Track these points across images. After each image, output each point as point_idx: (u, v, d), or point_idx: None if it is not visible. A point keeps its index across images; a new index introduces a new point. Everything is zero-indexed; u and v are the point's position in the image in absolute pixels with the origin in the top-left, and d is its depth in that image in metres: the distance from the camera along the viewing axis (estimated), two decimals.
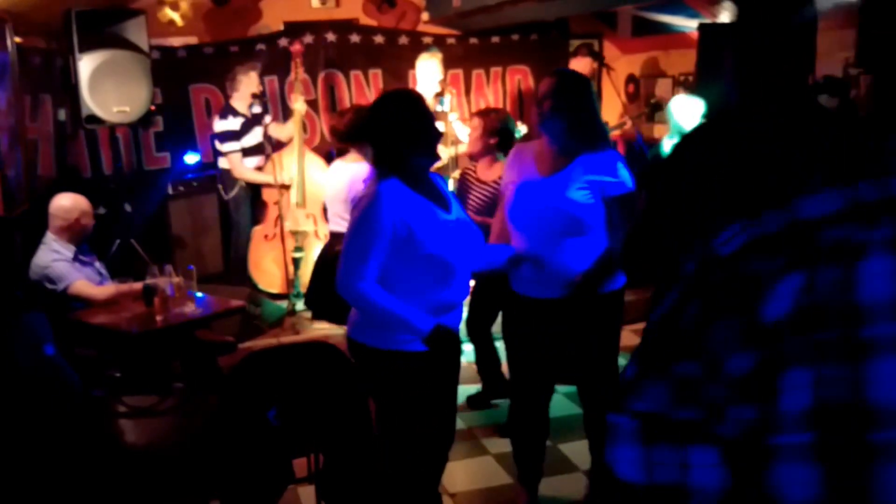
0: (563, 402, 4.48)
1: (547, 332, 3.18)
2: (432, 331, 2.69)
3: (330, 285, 4.14)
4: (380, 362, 2.81)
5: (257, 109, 6.36)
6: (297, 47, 6.26)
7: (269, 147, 6.18)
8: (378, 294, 2.67)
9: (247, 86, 6.23)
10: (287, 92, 6.76)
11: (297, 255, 6.07)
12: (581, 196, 3.02)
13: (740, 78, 2.01)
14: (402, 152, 2.71)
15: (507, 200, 3.18)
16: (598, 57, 7.11)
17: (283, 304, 6.08)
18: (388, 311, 2.68)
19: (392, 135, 2.71)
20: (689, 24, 6.44)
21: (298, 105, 6.15)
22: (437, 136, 2.84)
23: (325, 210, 6.23)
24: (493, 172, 4.12)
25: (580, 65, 6.85)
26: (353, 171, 4.16)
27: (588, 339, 3.17)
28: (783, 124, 1.94)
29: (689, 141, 2.13)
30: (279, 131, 6.40)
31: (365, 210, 2.68)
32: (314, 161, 6.38)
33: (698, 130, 2.19)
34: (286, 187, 6.01)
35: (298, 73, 6.19)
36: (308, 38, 7.02)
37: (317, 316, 4.46)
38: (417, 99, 2.80)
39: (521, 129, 6.12)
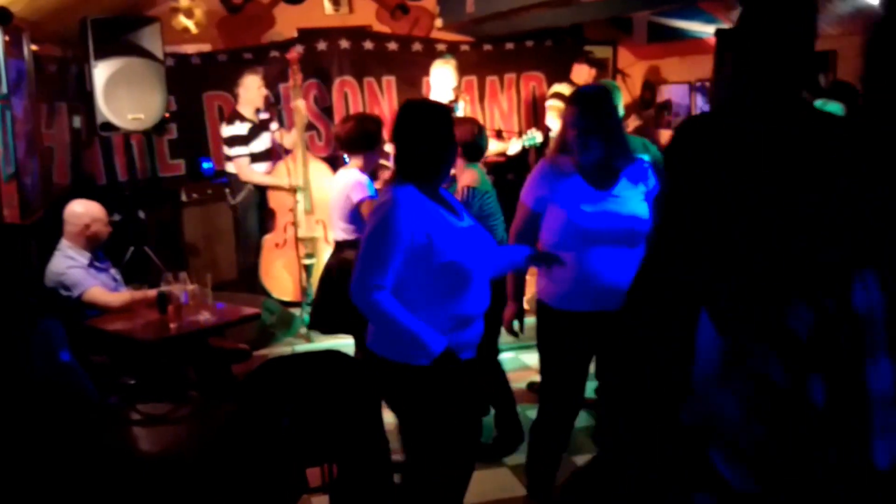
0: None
1: (591, 346, 3.21)
2: (442, 353, 2.62)
3: (334, 297, 4.14)
4: (394, 374, 2.75)
5: (265, 116, 6.37)
6: (292, 54, 6.27)
7: (281, 152, 6.20)
8: (392, 305, 2.59)
9: (246, 90, 6.27)
10: (283, 100, 6.83)
11: (308, 261, 6.06)
12: (643, 208, 3.09)
13: (736, 82, 2.00)
14: (426, 161, 2.71)
15: (554, 215, 3.12)
16: (595, 64, 7.08)
17: (297, 311, 6.07)
18: (400, 324, 2.59)
19: (419, 143, 2.71)
20: (706, 30, 6.40)
21: (299, 104, 6.15)
22: (456, 151, 2.87)
23: None
24: (464, 181, 4.07)
25: (580, 71, 6.84)
26: (348, 178, 4.14)
27: None
28: (776, 130, 1.90)
29: (677, 147, 2.07)
30: (286, 139, 6.41)
31: (382, 216, 2.63)
32: (319, 167, 6.38)
33: (686, 134, 2.13)
34: (294, 190, 6.01)
35: (297, 79, 6.18)
36: (321, 45, 7.03)
37: (316, 328, 4.41)
38: (446, 112, 2.81)
39: (537, 136, 6.10)
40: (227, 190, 6.49)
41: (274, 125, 6.44)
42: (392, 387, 2.82)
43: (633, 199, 3.08)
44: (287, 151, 6.32)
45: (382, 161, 5.27)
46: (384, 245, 2.58)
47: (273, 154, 6.38)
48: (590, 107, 3.08)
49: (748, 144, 1.84)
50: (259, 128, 6.29)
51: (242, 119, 6.25)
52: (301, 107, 6.20)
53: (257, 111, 6.31)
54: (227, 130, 6.29)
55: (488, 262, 2.83)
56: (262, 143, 6.30)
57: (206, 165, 6.82)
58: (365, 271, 2.60)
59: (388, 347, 2.75)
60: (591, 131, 3.03)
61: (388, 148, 5.08)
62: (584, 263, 3.07)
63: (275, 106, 6.48)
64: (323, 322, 4.31)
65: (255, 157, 6.31)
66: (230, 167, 6.38)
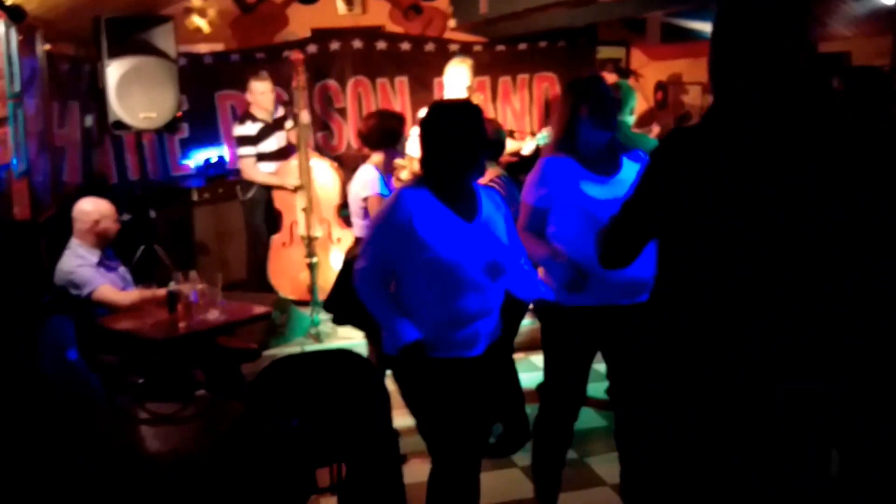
0: (589, 414, 4.40)
1: (594, 341, 3.18)
2: (409, 344, 2.66)
3: (349, 289, 4.15)
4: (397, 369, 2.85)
5: (280, 114, 6.37)
6: (297, 55, 6.12)
7: (284, 153, 6.20)
8: (374, 289, 2.75)
9: (253, 94, 6.30)
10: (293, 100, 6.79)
11: (311, 260, 6.04)
12: None
13: (716, 75, 1.96)
14: (445, 163, 2.74)
15: (559, 209, 3.10)
16: (623, 73, 7.03)
17: (307, 311, 6.04)
18: (377, 307, 2.76)
19: (438, 146, 2.75)
20: None
21: (303, 118, 6.12)
22: (483, 153, 2.82)
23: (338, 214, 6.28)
24: (489, 174, 4.06)
25: (607, 79, 6.77)
26: (364, 175, 4.17)
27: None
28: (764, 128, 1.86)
29: (674, 142, 2.03)
30: (294, 137, 6.42)
31: (383, 209, 2.81)
32: (323, 167, 6.36)
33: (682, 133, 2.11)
34: (296, 189, 6.01)
35: (300, 80, 6.10)
36: (335, 45, 7.02)
37: (338, 321, 4.43)
38: (471, 112, 2.78)
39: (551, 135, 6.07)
40: (238, 187, 6.51)
41: (290, 123, 6.44)
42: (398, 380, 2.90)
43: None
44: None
45: (397, 160, 5.25)
46: (373, 232, 2.78)
47: (284, 153, 6.37)
48: (599, 88, 3.16)
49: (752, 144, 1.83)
50: (271, 128, 6.30)
51: (254, 120, 6.29)
52: (305, 118, 6.14)
53: (273, 111, 6.32)
54: (237, 130, 6.35)
55: (495, 267, 2.81)
56: (272, 143, 6.31)
57: (204, 157, 6.80)
58: (360, 256, 2.80)
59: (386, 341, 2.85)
60: (602, 119, 3.07)
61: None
62: (591, 254, 3.03)
63: (287, 106, 6.47)
64: (336, 308, 4.34)
65: (264, 157, 6.32)
66: (239, 166, 6.41)
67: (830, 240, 1.70)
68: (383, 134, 4.19)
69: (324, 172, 6.35)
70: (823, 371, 1.70)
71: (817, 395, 1.74)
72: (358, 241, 4.30)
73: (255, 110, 6.32)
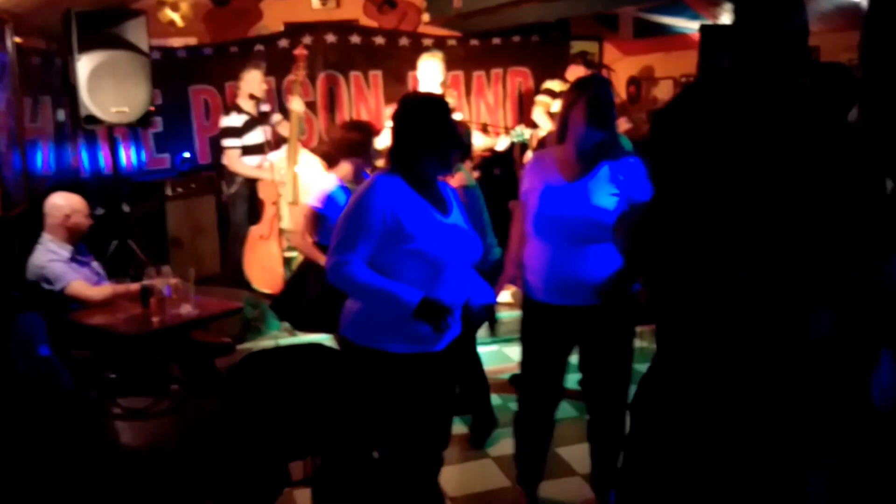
0: (562, 405, 4.43)
1: (568, 338, 3.25)
2: (421, 302, 2.60)
3: (300, 289, 4.22)
4: (366, 360, 2.79)
5: (266, 108, 6.36)
6: (301, 51, 6.27)
7: (267, 147, 6.19)
8: (362, 271, 2.64)
9: (247, 83, 6.26)
10: (285, 92, 6.78)
11: (289, 254, 6.04)
12: (610, 202, 3.07)
13: (739, 75, 1.97)
14: (415, 154, 2.74)
15: (531, 206, 3.18)
16: (592, 66, 7.08)
17: None
18: (375, 287, 2.63)
19: (409, 136, 2.74)
20: (691, 26, 6.42)
21: (296, 105, 6.14)
22: (453, 147, 2.85)
23: None
24: (455, 182, 4.12)
25: (576, 73, 6.83)
26: (323, 183, 4.25)
27: (609, 344, 3.22)
28: (775, 123, 1.87)
29: (668, 117, 1.97)
30: (283, 129, 6.42)
31: (358, 198, 2.71)
32: (310, 161, 6.37)
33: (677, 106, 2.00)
34: (279, 183, 6.02)
35: (299, 75, 6.18)
36: (308, 39, 7.02)
37: (281, 317, 4.51)
38: (437, 106, 2.80)
39: (526, 133, 6.12)
40: (223, 181, 6.49)
41: (276, 117, 6.44)
42: (362, 371, 2.86)
43: (600, 192, 3.08)
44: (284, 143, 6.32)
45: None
46: (353, 226, 2.66)
47: (268, 147, 6.34)
48: (601, 91, 3.13)
49: (751, 130, 1.83)
50: (256, 121, 6.27)
51: (240, 111, 6.26)
52: (299, 108, 6.17)
53: (258, 103, 6.30)
54: (223, 121, 6.32)
55: (467, 264, 2.84)
56: (256, 136, 6.27)
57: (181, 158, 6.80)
58: (335, 250, 2.68)
59: (357, 333, 2.78)
60: (600, 115, 3.07)
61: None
62: (552, 255, 3.13)
63: (258, 100, 6.47)
64: (283, 310, 4.41)
65: (248, 150, 6.29)
66: (224, 158, 6.38)
67: (830, 239, 1.72)
68: (347, 146, 4.22)
69: (313, 168, 6.33)
70: (823, 371, 1.73)
71: (817, 395, 1.76)
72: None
73: (241, 102, 6.29)
